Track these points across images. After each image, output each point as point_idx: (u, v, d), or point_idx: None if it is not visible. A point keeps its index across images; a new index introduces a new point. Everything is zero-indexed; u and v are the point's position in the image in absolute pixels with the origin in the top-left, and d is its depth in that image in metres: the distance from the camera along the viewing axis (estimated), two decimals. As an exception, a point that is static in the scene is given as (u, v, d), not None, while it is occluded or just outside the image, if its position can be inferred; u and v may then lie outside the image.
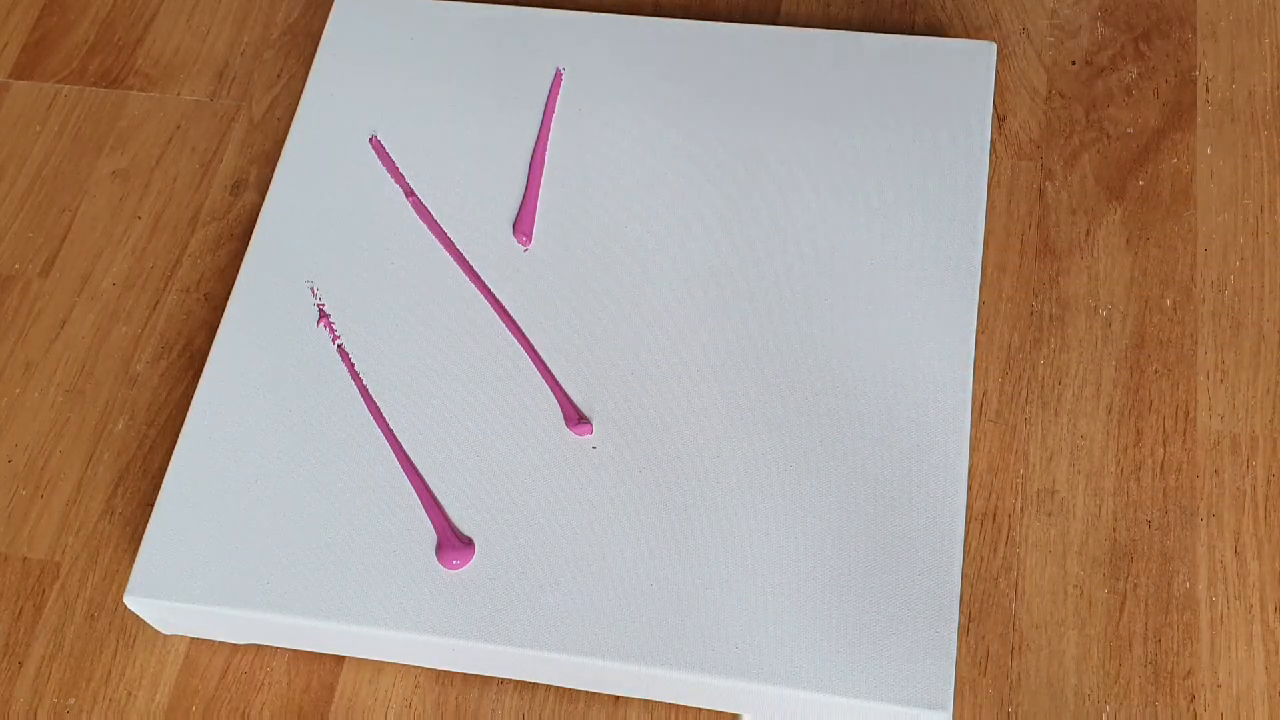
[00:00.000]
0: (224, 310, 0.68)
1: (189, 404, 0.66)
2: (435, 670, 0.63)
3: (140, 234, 0.76)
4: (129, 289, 0.74)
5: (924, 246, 0.66)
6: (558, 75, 0.74)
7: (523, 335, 0.66)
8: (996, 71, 0.73)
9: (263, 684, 0.63)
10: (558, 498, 0.62)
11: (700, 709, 0.61)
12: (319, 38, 0.78)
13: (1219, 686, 0.60)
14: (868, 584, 0.58)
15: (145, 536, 0.62)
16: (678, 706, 0.61)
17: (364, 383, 0.66)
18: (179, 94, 0.81)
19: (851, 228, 0.67)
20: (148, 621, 0.64)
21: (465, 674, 0.63)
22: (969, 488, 0.62)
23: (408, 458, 0.63)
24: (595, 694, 0.62)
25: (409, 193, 0.71)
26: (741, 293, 0.66)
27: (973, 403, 0.63)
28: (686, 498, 0.61)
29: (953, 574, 0.58)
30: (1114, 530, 0.63)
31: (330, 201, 0.71)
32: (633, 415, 0.64)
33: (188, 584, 0.61)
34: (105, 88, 0.81)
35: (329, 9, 0.79)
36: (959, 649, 0.60)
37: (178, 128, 0.80)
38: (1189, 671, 0.60)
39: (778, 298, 0.66)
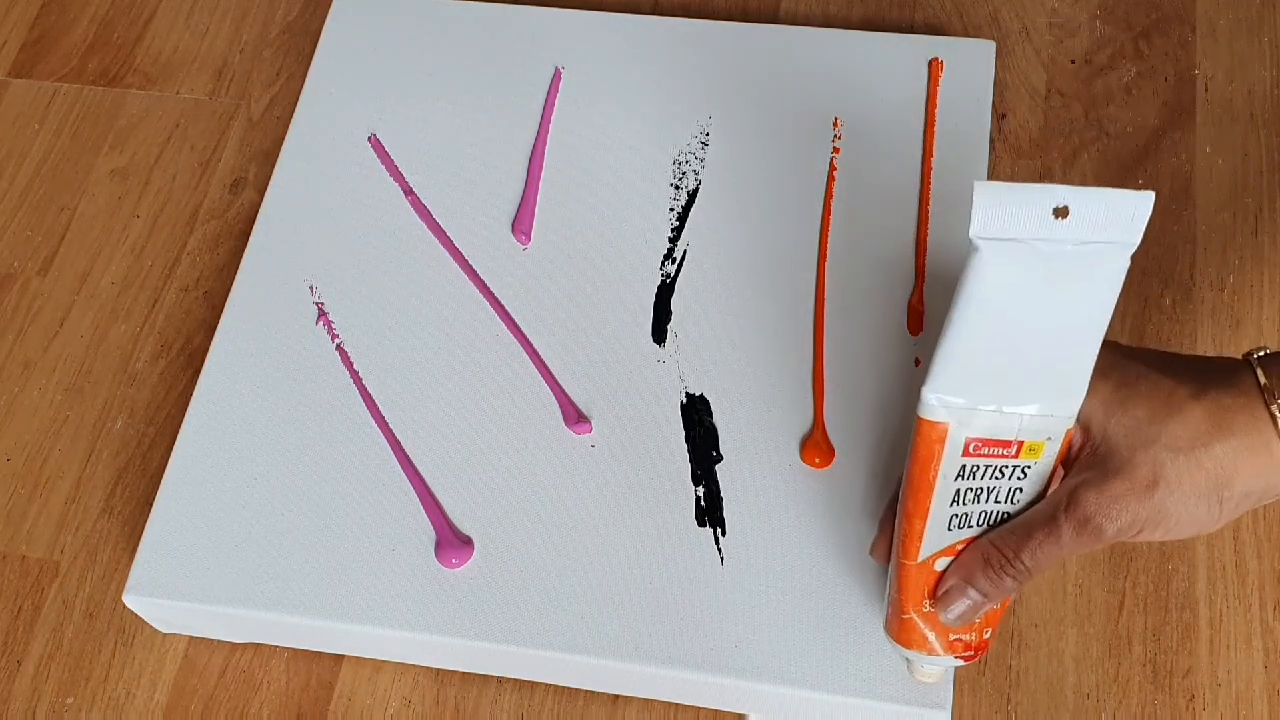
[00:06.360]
0: (223, 309, 0.68)
1: (188, 403, 0.66)
2: (434, 669, 0.63)
3: (139, 232, 0.76)
4: (128, 288, 0.74)
5: (923, 245, 0.67)
6: (557, 74, 0.74)
7: (521, 334, 0.66)
8: (996, 70, 0.73)
9: (261, 683, 0.63)
10: (557, 496, 0.62)
11: (700, 708, 0.61)
12: (318, 36, 0.78)
13: (1218, 685, 0.60)
14: (867, 583, 0.58)
15: (144, 535, 0.62)
16: (676, 706, 0.61)
17: (363, 381, 0.65)
18: (178, 92, 0.81)
19: (851, 227, 0.67)
20: (147, 620, 0.64)
21: (464, 673, 0.63)
22: (968, 486, 0.62)
23: (406, 456, 0.63)
24: (594, 693, 0.62)
25: (408, 191, 0.71)
26: (742, 291, 0.66)
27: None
28: (685, 496, 0.61)
29: (952, 573, 0.58)
30: (1113, 529, 0.63)
31: (329, 200, 0.71)
32: (632, 414, 0.64)
33: (187, 583, 0.61)
34: (104, 86, 0.81)
35: (328, 7, 0.79)
36: (958, 648, 0.60)
37: (176, 126, 0.80)
38: (1188, 670, 0.60)
39: (778, 296, 0.66)
